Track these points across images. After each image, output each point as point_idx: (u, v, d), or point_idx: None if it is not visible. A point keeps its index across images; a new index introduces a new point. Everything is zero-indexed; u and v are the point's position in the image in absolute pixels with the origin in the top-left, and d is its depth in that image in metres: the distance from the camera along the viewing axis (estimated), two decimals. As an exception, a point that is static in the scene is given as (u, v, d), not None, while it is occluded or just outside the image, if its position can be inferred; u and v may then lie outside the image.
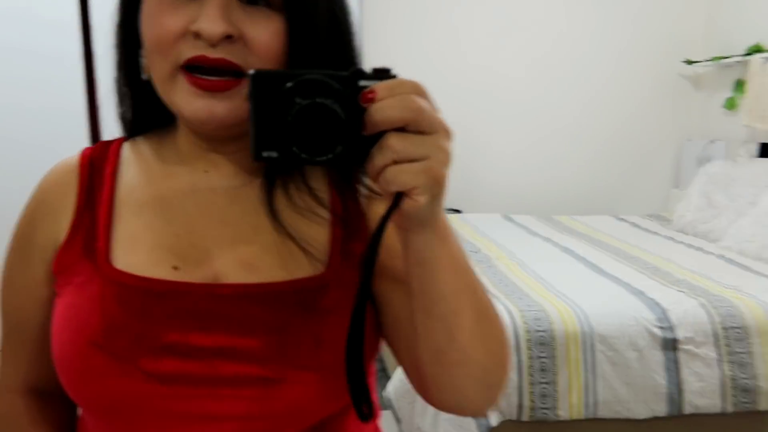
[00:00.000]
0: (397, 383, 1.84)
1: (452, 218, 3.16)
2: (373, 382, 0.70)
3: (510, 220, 3.20)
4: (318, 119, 0.45)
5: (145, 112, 0.67)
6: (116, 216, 0.63)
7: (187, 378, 0.57)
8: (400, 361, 0.64)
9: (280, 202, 0.62)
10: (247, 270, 0.60)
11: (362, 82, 0.45)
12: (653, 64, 3.58)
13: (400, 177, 0.44)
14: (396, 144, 0.44)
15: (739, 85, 3.21)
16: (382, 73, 0.46)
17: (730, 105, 3.28)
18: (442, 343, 0.53)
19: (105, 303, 0.58)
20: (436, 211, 0.47)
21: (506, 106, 3.55)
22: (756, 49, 3.01)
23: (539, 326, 1.76)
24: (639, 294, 1.95)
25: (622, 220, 3.27)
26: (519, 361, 1.73)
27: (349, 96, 0.45)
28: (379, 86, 0.44)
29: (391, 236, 0.53)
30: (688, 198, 3.01)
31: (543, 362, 1.74)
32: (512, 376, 1.72)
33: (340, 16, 0.61)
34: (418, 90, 0.45)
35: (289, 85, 0.45)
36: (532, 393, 1.73)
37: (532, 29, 3.50)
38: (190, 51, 0.54)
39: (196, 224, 0.62)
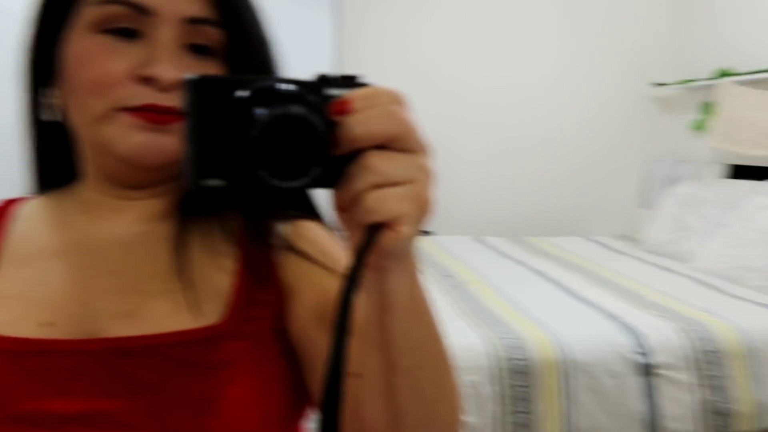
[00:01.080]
0: None
1: (424, 240, 3.12)
2: None
3: (481, 242, 3.18)
4: (293, 134, 0.35)
5: (47, 161, 0.64)
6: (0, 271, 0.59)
7: None
8: None
9: (190, 245, 0.58)
10: (128, 322, 0.54)
11: (330, 91, 0.37)
12: (622, 86, 3.64)
13: (383, 204, 0.36)
14: (379, 164, 0.36)
15: (706, 107, 3.27)
16: (351, 81, 0.38)
17: (698, 127, 3.34)
18: (407, 403, 0.45)
19: None
20: (413, 244, 0.40)
21: (477, 125, 3.55)
22: (724, 73, 3.07)
23: (516, 354, 1.72)
24: (614, 319, 1.93)
25: (592, 240, 3.29)
26: (497, 391, 1.69)
27: (320, 107, 0.36)
28: (356, 95, 0.37)
29: (319, 275, 0.54)
30: (658, 218, 3.04)
31: (521, 391, 1.70)
32: (490, 406, 1.68)
33: (271, 61, 0.61)
34: (398, 100, 0.38)
35: (242, 94, 0.36)
36: (510, 423, 1.69)
37: (506, 47, 3.52)
38: (139, 97, 0.53)
39: (82, 276, 0.57)
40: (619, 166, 3.71)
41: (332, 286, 0.56)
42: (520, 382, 1.71)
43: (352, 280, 0.38)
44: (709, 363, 1.81)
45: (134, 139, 0.53)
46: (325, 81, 0.37)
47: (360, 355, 0.45)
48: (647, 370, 1.78)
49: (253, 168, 0.35)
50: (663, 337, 1.83)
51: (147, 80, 0.52)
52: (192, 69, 0.54)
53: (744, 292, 2.25)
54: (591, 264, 2.70)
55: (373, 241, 0.37)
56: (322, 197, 0.60)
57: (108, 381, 0.51)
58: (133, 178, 0.58)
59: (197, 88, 0.36)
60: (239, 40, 0.57)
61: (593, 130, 3.65)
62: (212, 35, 0.56)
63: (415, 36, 3.44)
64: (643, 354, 1.79)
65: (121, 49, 0.53)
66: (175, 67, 0.52)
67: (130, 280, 0.57)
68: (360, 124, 0.36)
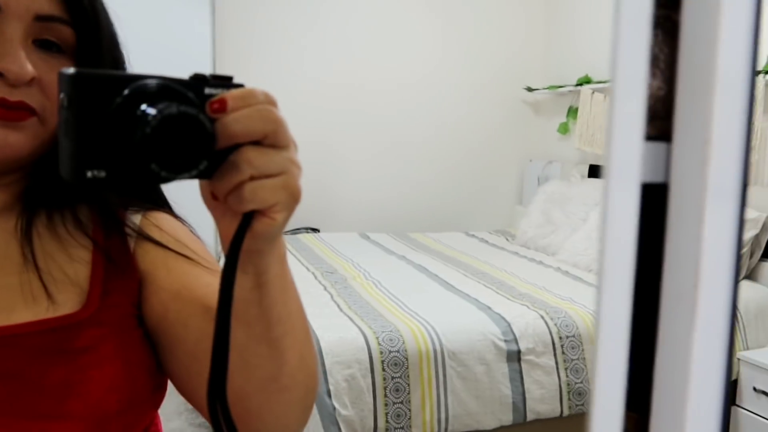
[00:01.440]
0: None
1: (310, 237, 3.13)
2: None
3: (366, 238, 3.24)
4: (184, 131, 0.38)
5: None
6: None
7: None
8: (200, 402, 0.58)
9: (40, 236, 0.59)
10: None
11: (207, 90, 0.40)
12: (499, 91, 3.85)
13: (259, 194, 0.40)
14: (255, 158, 0.40)
15: (571, 111, 3.53)
16: (225, 81, 0.41)
17: (563, 130, 3.60)
18: (273, 370, 0.51)
19: None
20: (283, 229, 0.45)
21: (363, 125, 3.61)
22: (585, 80, 3.33)
23: (393, 347, 1.78)
24: (486, 309, 2.04)
25: (472, 236, 3.44)
26: (374, 383, 1.73)
27: (202, 105, 0.40)
28: (231, 95, 0.40)
29: (166, 263, 0.58)
30: (530, 215, 3.24)
31: (397, 382, 1.76)
32: (368, 398, 1.72)
33: (121, 59, 0.63)
34: (270, 100, 0.42)
35: (126, 91, 0.38)
36: (386, 414, 1.74)
37: (389, 51, 3.60)
38: None
39: None
40: (498, 165, 3.93)
41: (188, 270, 0.60)
42: (397, 373, 1.76)
43: (232, 262, 0.42)
44: (569, 347, 1.97)
45: None
46: (202, 80, 0.40)
47: (233, 329, 0.49)
48: (515, 356, 1.90)
49: (145, 162, 0.37)
50: (529, 325, 1.96)
51: None
52: (41, 65, 0.55)
53: (602, 281, 2.46)
54: (469, 258, 2.83)
55: (248, 227, 0.42)
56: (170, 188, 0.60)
57: None
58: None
59: (75, 82, 0.37)
60: (89, 39, 0.58)
61: (473, 131, 3.84)
62: (62, 33, 0.57)
63: (295, 35, 3.43)
64: (511, 341, 1.91)
65: None
66: (25, 63, 0.53)
67: None
68: (237, 122, 0.40)
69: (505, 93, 3.86)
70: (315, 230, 3.46)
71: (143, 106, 0.38)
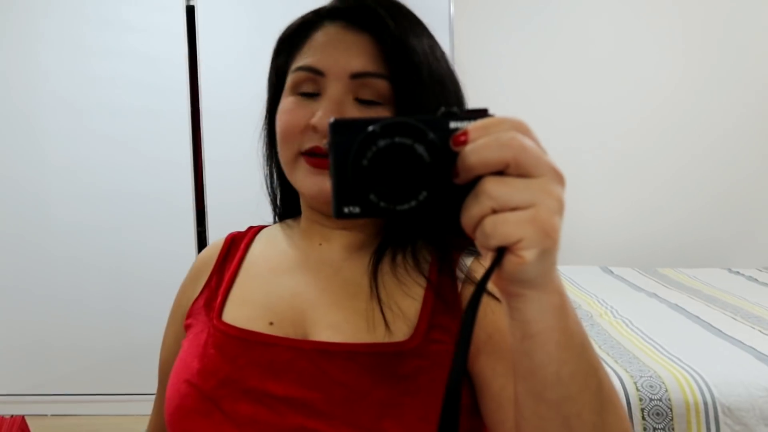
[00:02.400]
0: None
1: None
2: None
3: (609, 272, 3.02)
4: (397, 161, 0.39)
5: (282, 199, 0.81)
6: (238, 280, 0.74)
7: (258, 423, 0.60)
8: None
9: (385, 272, 0.67)
10: (333, 331, 0.64)
11: (454, 124, 0.40)
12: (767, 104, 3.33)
13: (501, 228, 0.37)
14: (494, 189, 0.37)
15: None
16: (478, 114, 0.40)
17: None
18: None
19: (206, 348, 0.66)
20: (548, 270, 0.40)
21: (602, 149, 3.40)
22: None
23: (654, 394, 1.60)
24: (767, 360, 1.74)
25: (737, 273, 3.00)
26: (632, 433, 1.57)
27: (439, 139, 0.39)
28: (473, 126, 0.39)
29: (487, 306, 0.59)
30: (815, 250, 2.72)
31: (660, 435, 1.58)
32: (624, 448, 1.57)
33: (448, 100, 0.66)
34: (519, 127, 0.38)
35: (371, 128, 0.40)
36: (647, 469, 1.56)
37: (635, 74, 3.37)
38: (308, 142, 0.65)
39: (300, 289, 0.69)
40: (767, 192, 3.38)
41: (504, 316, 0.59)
42: (659, 424, 1.58)
43: (474, 302, 0.40)
44: None
45: (309, 182, 0.65)
46: (450, 115, 0.40)
47: (514, 381, 0.47)
48: (811, 421, 1.58)
49: (365, 193, 0.40)
50: (829, 384, 1.62)
51: (314, 129, 0.64)
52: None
53: None
54: (736, 299, 2.46)
55: (496, 265, 0.39)
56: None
57: (312, 375, 0.61)
58: (323, 209, 0.69)
59: (335, 128, 0.41)
60: (406, 89, 0.64)
61: (737, 154, 3.36)
62: (378, 86, 0.64)
63: (537, 62, 3.39)
64: (806, 401, 1.59)
65: (305, 105, 0.66)
66: (332, 117, 0.61)
67: (336, 297, 0.67)
68: (473, 153, 0.38)
69: (775, 108, 3.33)
70: (550, 262, 3.34)
71: (378, 141, 0.40)
